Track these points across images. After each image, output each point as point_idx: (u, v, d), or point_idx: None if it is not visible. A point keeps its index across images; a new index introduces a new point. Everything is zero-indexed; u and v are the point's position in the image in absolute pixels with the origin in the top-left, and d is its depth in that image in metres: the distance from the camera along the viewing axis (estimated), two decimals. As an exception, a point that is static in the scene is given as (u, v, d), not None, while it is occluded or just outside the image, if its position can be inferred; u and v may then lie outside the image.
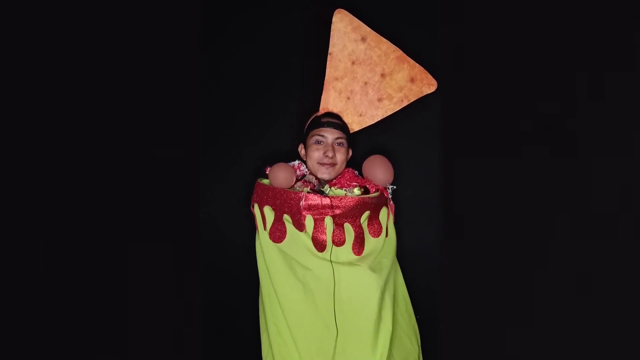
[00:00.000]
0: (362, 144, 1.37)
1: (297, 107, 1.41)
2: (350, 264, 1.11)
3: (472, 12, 0.91)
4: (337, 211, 1.09)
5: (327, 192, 1.17)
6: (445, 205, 0.96)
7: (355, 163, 1.29)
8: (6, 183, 0.80)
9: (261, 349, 1.25)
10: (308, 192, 1.11)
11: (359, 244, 1.13)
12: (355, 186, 1.19)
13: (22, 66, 0.82)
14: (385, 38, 1.24)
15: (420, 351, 1.32)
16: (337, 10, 1.20)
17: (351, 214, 1.11)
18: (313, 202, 1.08)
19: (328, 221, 1.10)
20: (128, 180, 0.88)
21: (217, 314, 1.48)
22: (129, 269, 0.87)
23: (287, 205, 1.11)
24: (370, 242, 1.15)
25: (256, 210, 1.20)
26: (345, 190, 1.18)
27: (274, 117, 1.46)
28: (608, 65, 0.80)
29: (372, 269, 1.10)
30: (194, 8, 0.97)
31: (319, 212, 1.09)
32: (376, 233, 1.16)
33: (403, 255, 1.37)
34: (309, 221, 1.10)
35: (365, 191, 1.19)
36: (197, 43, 0.99)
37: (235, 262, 1.48)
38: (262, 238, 1.17)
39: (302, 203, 1.08)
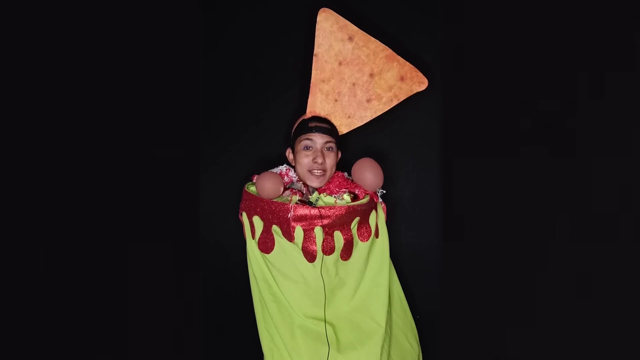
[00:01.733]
0: (361, 144, 1.37)
1: (297, 108, 1.41)
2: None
3: (472, 12, 0.91)
4: (326, 221, 1.06)
5: (315, 202, 1.14)
6: (444, 206, 0.96)
7: (349, 165, 1.28)
8: (6, 183, 0.80)
9: (260, 349, 1.25)
10: (296, 203, 1.08)
11: (347, 250, 1.12)
12: (345, 192, 1.16)
13: (23, 67, 0.82)
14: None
15: (420, 351, 1.32)
16: (321, 10, 1.16)
17: (341, 222, 1.09)
18: (301, 213, 1.06)
19: (318, 231, 1.07)
20: (128, 180, 0.88)
21: (217, 314, 1.48)
22: (129, 269, 0.87)
23: (276, 217, 1.09)
24: (359, 246, 1.14)
25: (244, 219, 1.18)
26: (334, 197, 1.14)
27: (274, 117, 1.46)
28: (608, 65, 0.80)
29: (361, 274, 1.14)
30: (193, 8, 0.97)
31: (308, 223, 1.07)
32: (365, 237, 1.15)
33: (403, 256, 1.37)
34: (298, 232, 1.07)
35: (355, 197, 1.17)
36: (196, 43, 0.98)
37: (235, 262, 1.48)
38: (250, 247, 1.16)
39: (291, 215, 1.06)
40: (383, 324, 1.13)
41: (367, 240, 1.15)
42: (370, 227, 1.16)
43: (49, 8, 0.84)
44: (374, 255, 1.18)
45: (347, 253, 1.12)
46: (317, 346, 1.10)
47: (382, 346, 1.12)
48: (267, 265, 1.14)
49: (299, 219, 1.06)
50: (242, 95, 1.47)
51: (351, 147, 1.36)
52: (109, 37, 0.88)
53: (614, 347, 0.77)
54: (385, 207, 1.25)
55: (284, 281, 1.13)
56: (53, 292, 0.82)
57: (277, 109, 1.45)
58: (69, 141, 0.85)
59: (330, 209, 1.06)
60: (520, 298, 0.84)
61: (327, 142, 1.17)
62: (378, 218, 1.20)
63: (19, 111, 0.82)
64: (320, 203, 1.13)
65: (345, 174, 1.24)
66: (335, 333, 1.12)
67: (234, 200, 1.43)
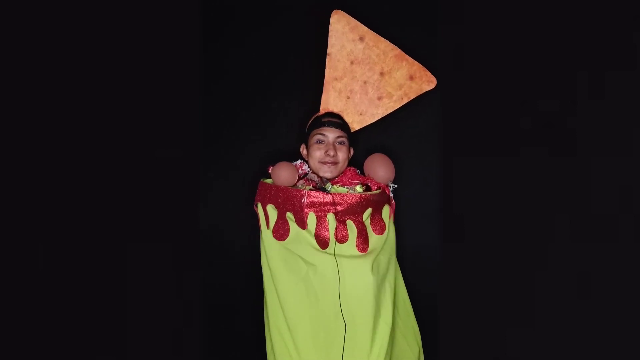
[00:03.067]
0: (363, 144, 1.37)
1: (297, 107, 1.41)
2: (353, 257, 1.11)
3: (472, 12, 0.91)
4: (339, 208, 1.09)
5: (329, 190, 1.17)
6: (445, 206, 0.96)
7: (357, 162, 1.29)
8: (6, 183, 0.80)
9: (263, 348, 1.25)
10: (310, 190, 1.12)
11: (363, 241, 1.13)
12: (357, 184, 1.20)
13: (22, 66, 0.82)
14: (385, 38, 1.24)
15: (422, 352, 1.32)
16: (334, 11, 1.21)
17: (353, 210, 1.11)
18: (315, 200, 1.09)
19: (330, 218, 1.10)
20: (128, 181, 0.88)
21: (217, 314, 1.48)
22: (129, 269, 0.87)
23: (290, 203, 1.12)
24: (373, 239, 1.15)
25: (259, 209, 1.20)
26: (347, 188, 1.18)
27: (274, 117, 1.46)
28: (608, 65, 0.80)
29: (371, 266, 1.10)
30: (194, 8, 0.97)
31: (321, 209, 1.10)
32: (379, 230, 1.16)
33: (403, 256, 1.37)
34: (311, 218, 1.10)
35: (367, 189, 1.20)
36: (197, 43, 0.98)
37: (235, 262, 1.48)
38: (265, 237, 1.18)
39: (305, 200, 1.09)
40: (390, 320, 1.13)
41: (381, 234, 1.17)
42: (384, 221, 1.18)
43: (48, 6, 0.84)
44: (382, 253, 1.19)
45: (363, 245, 1.13)
46: (330, 334, 1.10)
47: (389, 344, 1.11)
48: (284, 254, 1.14)
49: (312, 205, 1.09)
50: (242, 95, 1.47)
51: (354, 146, 1.36)
52: (109, 37, 0.88)
53: (614, 347, 0.77)
54: (394, 205, 1.26)
55: (297, 268, 1.13)
56: (53, 292, 0.82)
57: (279, 109, 1.46)
58: (69, 141, 0.85)
59: (343, 196, 1.10)
60: (520, 298, 0.84)
61: (338, 136, 1.21)
62: (390, 216, 1.22)
63: (19, 111, 0.82)
64: (332, 192, 1.15)
65: (358, 171, 1.27)
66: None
67: (235, 200, 1.43)
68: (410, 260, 1.41)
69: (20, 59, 0.82)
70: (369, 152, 1.26)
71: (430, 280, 1.39)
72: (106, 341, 0.84)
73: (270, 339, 1.19)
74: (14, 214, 0.80)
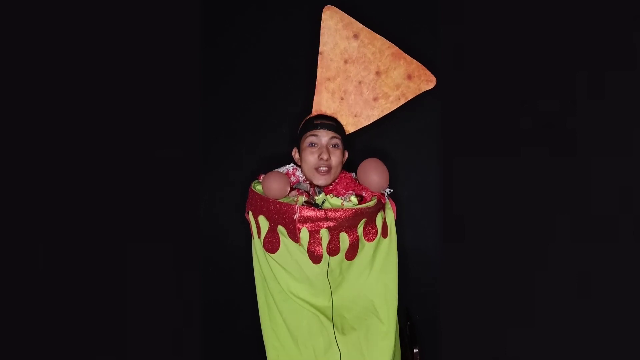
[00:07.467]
0: (361, 145, 1.37)
1: (297, 109, 1.41)
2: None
3: (472, 12, 0.91)
4: (332, 223, 1.05)
5: (321, 204, 1.12)
6: (445, 206, 0.96)
7: (354, 165, 1.28)
8: (6, 183, 0.80)
9: (263, 349, 1.25)
10: (302, 204, 1.07)
11: (352, 251, 1.11)
12: (352, 194, 1.15)
13: (23, 67, 0.82)
14: (385, 38, 1.22)
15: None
16: (326, 7, 1.14)
17: (347, 224, 1.08)
18: (307, 215, 1.05)
19: (324, 233, 1.06)
20: (129, 181, 0.88)
21: (217, 314, 1.48)
22: (129, 269, 0.87)
23: (282, 217, 1.08)
24: (364, 246, 1.14)
25: (251, 218, 1.17)
26: (341, 199, 1.13)
27: (274, 118, 1.46)
28: (608, 65, 0.80)
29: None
30: (194, 9, 0.97)
31: (314, 225, 1.06)
32: (371, 237, 1.14)
33: (403, 256, 1.36)
34: (304, 234, 1.06)
35: (362, 199, 1.15)
36: (197, 44, 0.99)
37: (235, 262, 1.48)
38: (257, 245, 1.16)
39: (297, 216, 1.05)
40: (386, 322, 1.13)
41: (372, 241, 1.14)
42: (376, 227, 1.15)
43: (48, 6, 0.84)
44: (379, 254, 1.18)
45: (352, 253, 1.12)
46: (323, 340, 1.11)
47: (394, 352, 1.11)
48: (274, 264, 1.14)
49: (305, 220, 1.05)
50: (242, 95, 1.47)
51: (352, 147, 1.36)
52: (109, 37, 0.88)
53: (614, 347, 0.77)
54: (394, 206, 1.23)
55: (288, 279, 1.13)
56: (53, 292, 0.82)
57: (279, 109, 1.45)
58: (69, 141, 0.85)
59: (336, 211, 1.05)
60: (520, 298, 0.84)
61: (332, 137, 1.14)
62: (387, 217, 1.19)
63: (19, 111, 0.82)
64: (327, 205, 1.11)
65: (353, 174, 1.23)
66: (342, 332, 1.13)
67: (235, 200, 1.43)
68: (410, 260, 1.41)
69: (22, 61, 0.82)
70: (369, 153, 1.25)
71: (430, 280, 1.39)
72: (106, 341, 0.84)
73: (268, 344, 1.19)
74: (14, 214, 0.81)
